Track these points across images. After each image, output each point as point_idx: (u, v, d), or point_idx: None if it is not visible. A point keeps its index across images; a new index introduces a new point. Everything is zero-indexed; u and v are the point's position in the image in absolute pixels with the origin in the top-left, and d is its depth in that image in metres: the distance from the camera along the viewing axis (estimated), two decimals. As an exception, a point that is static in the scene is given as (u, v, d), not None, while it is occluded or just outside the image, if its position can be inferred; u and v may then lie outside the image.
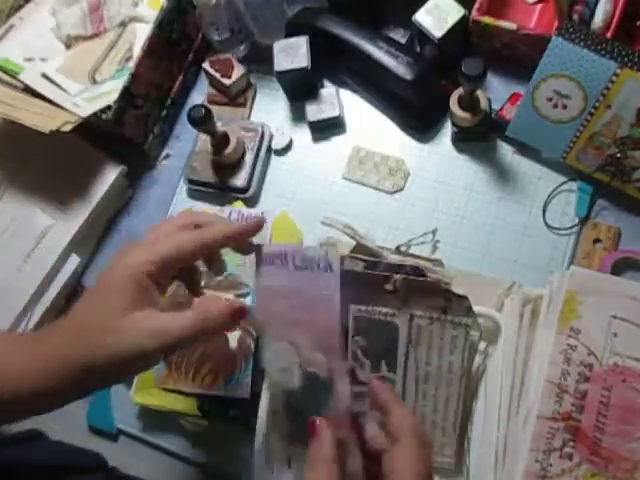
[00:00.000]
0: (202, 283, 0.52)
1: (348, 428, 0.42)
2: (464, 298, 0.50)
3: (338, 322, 0.42)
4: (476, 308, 0.50)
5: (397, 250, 0.56)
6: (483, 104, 0.64)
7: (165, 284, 0.44)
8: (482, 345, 0.54)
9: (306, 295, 0.44)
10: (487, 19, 0.65)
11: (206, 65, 0.76)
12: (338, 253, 0.43)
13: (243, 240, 0.46)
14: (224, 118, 0.75)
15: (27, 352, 0.42)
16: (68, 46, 0.74)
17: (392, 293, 0.50)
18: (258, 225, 0.46)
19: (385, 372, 0.52)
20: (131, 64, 0.71)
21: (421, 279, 0.50)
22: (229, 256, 0.67)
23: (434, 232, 0.65)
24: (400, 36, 0.72)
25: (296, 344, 0.45)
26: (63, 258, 0.71)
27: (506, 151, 0.68)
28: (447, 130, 0.70)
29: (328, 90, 0.73)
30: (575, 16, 0.63)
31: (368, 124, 0.73)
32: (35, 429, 0.64)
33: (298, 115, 0.75)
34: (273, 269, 0.45)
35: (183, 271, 0.47)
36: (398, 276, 0.49)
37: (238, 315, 0.43)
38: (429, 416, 0.53)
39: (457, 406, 0.52)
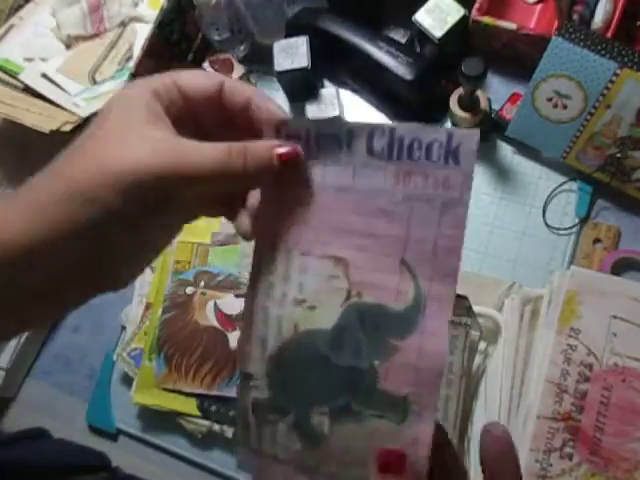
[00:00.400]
0: None
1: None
2: (464, 298, 0.50)
3: (462, 240, 0.29)
4: (476, 308, 0.50)
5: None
6: (483, 104, 0.64)
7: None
8: (482, 345, 0.54)
9: (398, 198, 0.30)
10: (487, 19, 0.65)
11: (206, 65, 0.76)
12: (476, 133, 0.30)
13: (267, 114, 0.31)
14: (224, 118, 0.74)
15: (16, 204, 0.31)
16: (68, 46, 0.74)
17: None
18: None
19: None
20: (131, 64, 0.71)
21: None
22: (229, 256, 0.67)
23: None
24: (400, 36, 0.72)
25: (344, 261, 0.31)
26: (63, 258, 0.71)
27: (506, 151, 0.68)
28: (447, 130, 0.70)
29: (328, 90, 0.73)
30: (575, 16, 0.63)
31: (368, 124, 0.73)
32: (39, 427, 0.65)
33: (298, 115, 0.75)
34: (327, 163, 0.31)
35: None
36: None
37: (293, 158, 0.30)
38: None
39: (457, 406, 0.52)
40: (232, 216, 0.34)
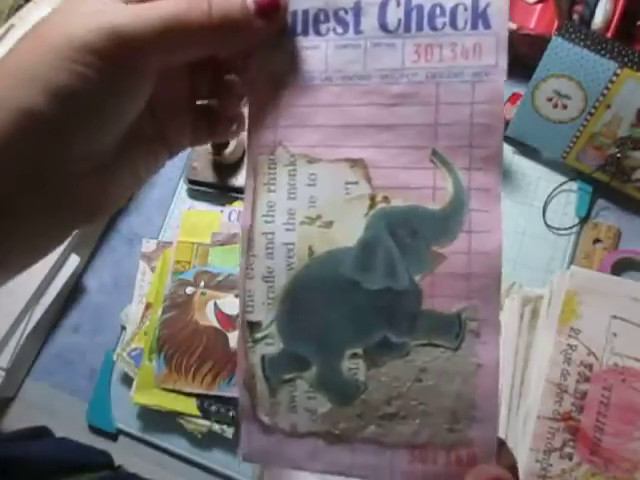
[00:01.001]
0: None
1: None
2: None
3: (502, 110, 0.25)
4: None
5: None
6: (483, 104, 0.64)
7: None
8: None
9: (424, 78, 0.25)
10: (487, 19, 0.65)
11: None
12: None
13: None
14: (224, 118, 0.74)
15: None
16: (68, 46, 0.74)
17: None
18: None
19: None
20: (131, 64, 0.71)
21: None
22: (229, 256, 0.67)
23: None
24: (400, 36, 0.72)
25: (362, 162, 0.25)
26: (63, 258, 0.71)
27: (506, 151, 0.68)
28: (447, 130, 0.70)
29: (328, 90, 0.73)
30: (575, 16, 0.63)
31: (368, 124, 0.73)
32: (41, 426, 0.65)
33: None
34: (322, 40, 0.25)
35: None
36: None
37: (274, 5, 0.24)
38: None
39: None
40: (212, 132, 0.30)
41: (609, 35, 0.61)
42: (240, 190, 0.71)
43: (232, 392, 0.61)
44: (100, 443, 0.67)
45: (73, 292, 0.74)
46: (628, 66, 0.56)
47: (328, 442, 0.25)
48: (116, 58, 0.23)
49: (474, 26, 0.24)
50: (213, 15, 0.23)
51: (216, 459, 0.64)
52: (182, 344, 0.63)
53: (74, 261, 0.71)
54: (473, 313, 0.24)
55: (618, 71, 0.57)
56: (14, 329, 0.68)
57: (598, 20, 0.61)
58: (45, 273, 0.69)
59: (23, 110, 0.22)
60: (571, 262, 0.62)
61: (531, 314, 0.53)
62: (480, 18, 0.24)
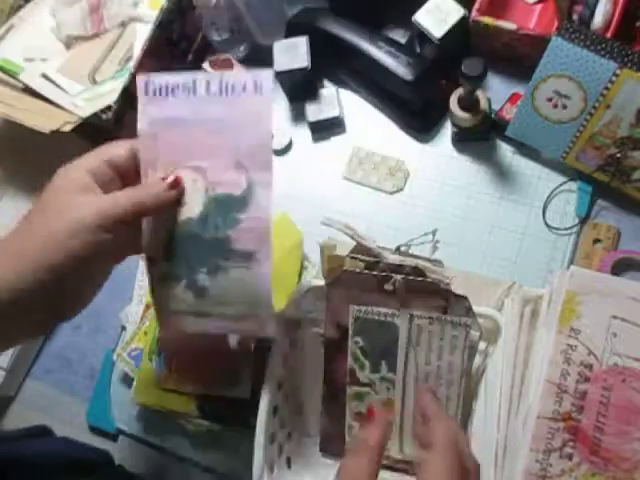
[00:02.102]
0: None
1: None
2: (464, 298, 0.50)
3: (270, 138, 0.44)
4: (476, 308, 0.50)
5: (397, 250, 0.56)
6: (483, 104, 0.64)
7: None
8: (482, 345, 0.54)
9: (226, 121, 0.44)
10: (487, 19, 0.65)
11: (206, 65, 0.76)
12: (269, 73, 0.43)
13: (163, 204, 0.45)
14: (224, 118, 0.75)
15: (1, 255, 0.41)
16: (68, 46, 0.74)
17: (391, 293, 0.50)
18: (176, 185, 0.45)
19: (385, 372, 0.53)
20: (131, 64, 0.71)
21: (420, 279, 0.50)
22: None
23: (434, 233, 0.65)
24: (400, 36, 0.72)
25: (202, 169, 0.45)
26: (63, 258, 0.71)
27: (506, 151, 0.68)
28: (447, 130, 0.70)
29: (328, 90, 0.73)
30: (575, 16, 0.63)
31: (368, 124, 0.73)
32: (42, 425, 0.65)
33: (298, 115, 0.75)
34: (173, 100, 0.45)
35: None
36: (398, 276, 0.49)
37: (176, 184, 0.45)
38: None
39: (457, 406, 0.52)
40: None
41: (609, 35, 0.61)
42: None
43: (232, 392, 0.61)
44: (100, 443, 0.67)
45: (73, 292, 0.74)
46: (628, 66, 0.56)
47: (196, 317, 0.47)
48: (102, 233, 0.41)
49: (255, 92, 0.44)
50: (149, 198, 0.43)
51: (216, 459, 0.64)
52: (182, 344, 0.63)
53: (74, 261, 0.71)
54: (258, 250, 0.44)
55: (618, 71, 0.57)
56: (14, 329, 0.68)
57: (598, 20, 0.61)
58: (45, 273, 0.69)
59: (47, 266, 0.40)
60: (571, 262, 0.62)
61: (531, 314, 0.53)
62: (258, 89, 0.44)
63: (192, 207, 0.45)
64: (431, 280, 0.50)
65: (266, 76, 0.43)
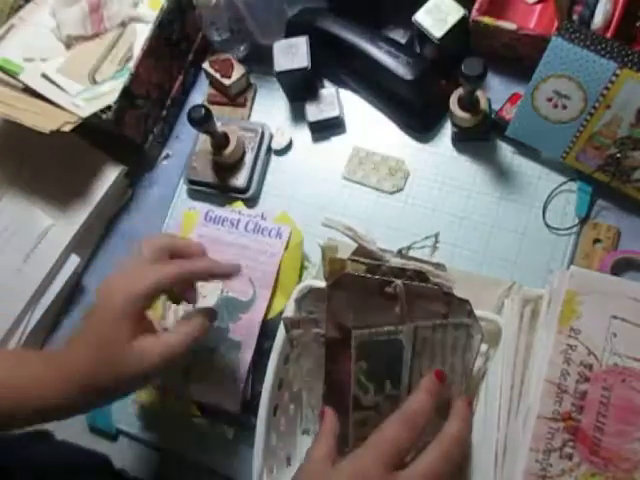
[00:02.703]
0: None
1: None
2: (466, 302, 0.50)
3: (276, 268, 0.64)
4: (478, 312, 0.50)
5: (399, 253, 0.55)
6: (483, 104, 0.64)
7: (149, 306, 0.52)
8: (483, 348, 0.54)
9: (251, 249, 0.65)
10: (487, 19, 0.65)
11: (206, 65, 0.76)
12: (291, 228, 0.66)
13: (222, 277, 0.56)
14: (224, 118, 0.75)
15: (52, 374, 0.47)
16: (68, 46, 0.74)
17: (392, 297, 0.50)
18: (237, 270, 0.55)
19: (389, 390, 0.51)
20: (131, 64, 0.71)
21: (422, 285, 0.49)
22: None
23: (436, 236, 0.65)
24: (400, 36, 0.72)
25: None
26: (63, 258, 0.71)
27: (506, 151, 0.68)
28: (447, 130, 0.70)
29: (328, 90, 0.73)
30: (575, 16, 0.63)
31: (368, 124, 0.73)
32: (42, 429, 0.64)
33: (298, 115, 0.75)
34: (220, 227, 0.67)
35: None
36: (399, 282, 0.49)
37: (213, 316, 0.54)
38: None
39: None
40: None
41: (609, 35, 0.61)
42: (239, 190, 0.71)
43: (224, 404, 0.61)
44: (100, 443, 0.67)
45: (73, 292, 0.74)
46: (628, 66, 0.56)
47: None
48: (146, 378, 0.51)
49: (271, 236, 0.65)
50: (198, 335, 0.51)
51: (216, 459, 0.64)
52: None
53: (74, 261, 0.72)
54: (245, 340, 0.62)
55: (618, 71, 0.57)
56: (14, 329, 0.68)
57: (598, 20, 0.61)
58: (45, 273, 0.69)
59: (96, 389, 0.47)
60: (571, 262, 0.62)
61: (531, 314, 0.53)
62: (279, 236, 0.66)
63: (209, 300, 0.61)
64: (431, 286, 0.50)
65: (285, 228, 0.65)
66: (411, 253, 0.65)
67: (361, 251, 0.53)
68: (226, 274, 0.55)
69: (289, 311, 0.54)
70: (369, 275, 0.50)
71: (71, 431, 0.66)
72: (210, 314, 0.53)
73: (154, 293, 0.49)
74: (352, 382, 0.51)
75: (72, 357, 0.47)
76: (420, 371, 0.50)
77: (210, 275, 0.54)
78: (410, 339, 0.50)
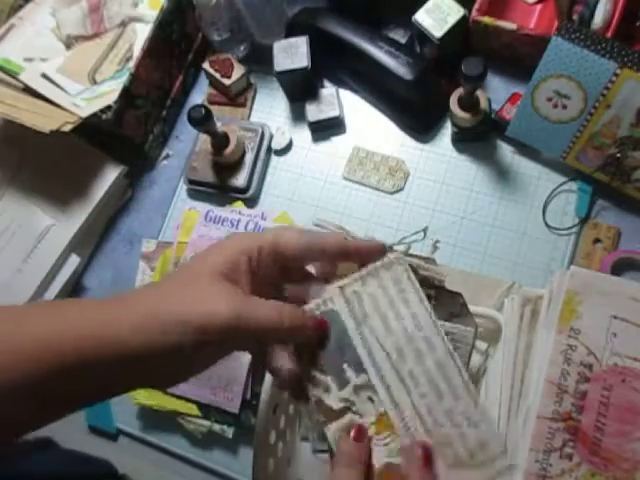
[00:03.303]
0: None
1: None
2: (458, 294, 0.50)
3: None
4: (477, 308, 0.50)
5: (390, 249, 0.55)
6: (483, 104, 0.64)
7: (258, 281, 0.39)
8: (483, 345, 0.54)
9: None
10: (487, 19, 0.65)
11: (206, 65, 0.76)
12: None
13: (360, 258, 0.40)
14: (224, 118, 0.75)
15: (119, 311, 0.36)
16: (68, 46, 0.74)
17: None
18: (381, 250, 0.41)
19: (354, 378, 0.39)
20: (131, 64, 0.71)
21: None
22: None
23: (425, 230, 0.65)
24: (400, 36, 0.72)
25: None
26: (63, 258, 0.71)
27: (506, 151, 0.68)
28: (447, 130, 0.70)
29: (328, 90, 0.73)
30: (575, 16, 0.63)
31: (368, 124, 0.73)
32: (45, 437, 0.64)
33: (298, 115, 0.75)
34: (220, 227, 0.67)
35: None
36: None
37: (322, 328, 0.39)
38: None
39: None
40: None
41: (609, 35, 0.61)
42: (239, 190, 0.71)
43: (224, 405, 0.61)
44: (100, 443, 0.67)
45: (73, 292, 0.74)
46: (628, 66, 0.56)
47: None
48: (227, 339, 0.36)
49: None
50: (291, 327, 0.37)
51: (216, 459, 0.64)
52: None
53: (74, 261, 0.72)
54: None
55: (618, 71, 0.56)
56: (14, 329, 0.68)
57: (598, 20, 0.61)
58: (45, 273, 0.69)
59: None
60: (571, 262, 0.62)
61: (531, 314, 0.53)
62: None
63: None
64: (425, 276, 0.49)
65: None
66: (410, 251, 0.65)
67: None
68: (367, 253, 0.40)
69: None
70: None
71: (71, 431, 0.66)
72: (322, 322, 0.39)
73: (261, 250, 0.38)
74: (307, 386, 0.39)
75: (149, 291, 0.38)
76: (377, 338, 0.40)
77: (343, 253, 0.40)
78: (343, 303, 0.40)
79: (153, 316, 0.35)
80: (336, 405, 0.39)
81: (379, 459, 0.38)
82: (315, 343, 0.39)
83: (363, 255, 0.40)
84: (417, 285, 0.40)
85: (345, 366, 0.39)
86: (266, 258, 0.38)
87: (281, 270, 0.40)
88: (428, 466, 0.37)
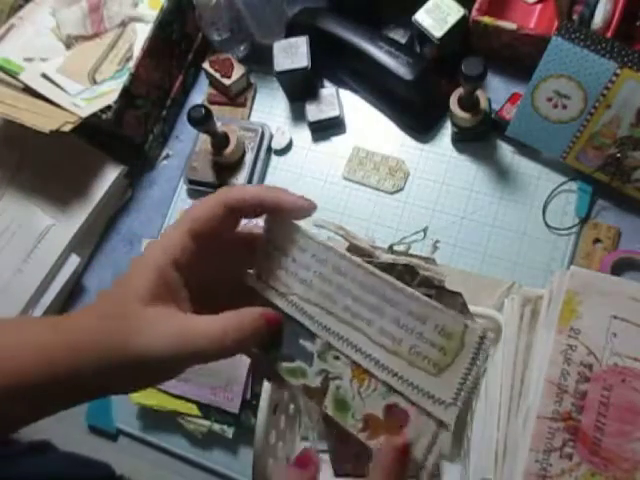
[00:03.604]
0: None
1: None
2: (458, 294, 0.50)
3: None
4: (477, 309, 0.50)
5: (390, 249, 0.55)
6: (483, 104, 0.64)
7: (206, 263, 0.36)
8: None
9: None
10: (487, 19, 0.65)
11: (206, 65, 0.76)
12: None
13: (283, 213, 0.39)
14: (224, 118, 0.75)
15: (59, 339, 0.34)
16: (68, 46, 0.74)
17: None
18: (311, 206, 0.39)
19: (312, 347, 0.38)
20: (131, 64, 0.71)
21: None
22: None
23: (425, 230, 0.65)
24: (400, 36, 0.72)
25: None
26: (63, 258, 0.71)
27: (506, 151, 0.68)
28: (447, 130, 0.70)
29: (328, 90, 0.73)
30: (575, 16, 0.63)
31: (368, 124, 0.73)
32: (44, 440, 0.64)
33: (298, 115, 0.75)
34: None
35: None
36: None
37: (275, 323, 0.37)
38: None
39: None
40: None
41: (609, 35, 0.61)
42: (240, 190, 0.71)
43: (224, 404, 0.61)
44: (100, 443, 0.67)
45: (73, 292, 0.74)
46: (628, 66, 0.56)
47: None
48: (166, 370, 0.34)
49: None
50: (241, 337, 0.35)
51: (216, 459, 0.64)
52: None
53: (74, 261, 0.72)
54: None
55: (618, 71, 0.57)
56: (14, 329, 0.68)
57: (598, 20, 0.61)
58: (45, 273, 0.69)
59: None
60: (571, 262, 0.62)
61: (531, 314, 0.53)
62: None
63: None
64: (425, 277, 0.49)
65: None
66: (410, 251, 0.65)
67: (352, 249, 0.53)
68: (298, 209, 0.40)
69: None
70: None
71: (71, 431, 0.66)
72: (274, 316, 0.37)
73: (192, 235, 0.35)
74: (287, 382, 0.38)
75: (79, 320, 0.35)
76: (301, 297, 0.39)
77: (276, 206, 0.39)
78: (261, 284, 0.40)
79: (91, 350, 0.33)
80: (315, 383, 0.38)
81: (376, 407, 0.36)
82: (272, 340, 0.37)
83: (298, 212, 0.40)
84: (304, 230, 0.41)
85: (302, 341, 0.38)
86: (189, 249, 0.35)
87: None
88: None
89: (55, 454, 0.64)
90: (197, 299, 0.37)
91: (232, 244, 0.40)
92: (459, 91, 0.63)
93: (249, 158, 0.72)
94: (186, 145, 0.77)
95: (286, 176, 0.73)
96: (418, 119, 0.71)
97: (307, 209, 0.40)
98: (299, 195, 0.39)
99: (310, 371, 0.38)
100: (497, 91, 0.70)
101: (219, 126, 0.69)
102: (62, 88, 0.70)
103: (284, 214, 0.40)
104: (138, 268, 0.34)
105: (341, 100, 0.73)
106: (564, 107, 0.61)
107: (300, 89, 0.73)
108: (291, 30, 0.72)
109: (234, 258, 0.40)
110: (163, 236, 0.36)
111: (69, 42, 0.74)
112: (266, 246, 0.40)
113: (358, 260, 0.39)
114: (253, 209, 0.38)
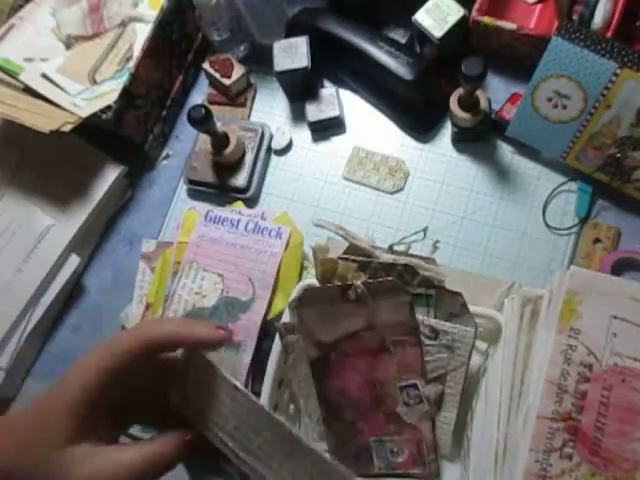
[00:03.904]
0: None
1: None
2: (458, 294, 0.50)
3: (276, 268, 0.63)
4: (477, 308, 0.50)
5: (390, 249, 0.56)
6: (483, 104, 0.64)
7: (122, 391, 0.40)
8: (483, 345, 0.54)
9: (251, 249, 0.64)
10: (487, 19, 0.65)
11: (206, 65, 0.76)
12: (291, 229, 0.64)
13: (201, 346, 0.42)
14: (224, 118, 0.75)
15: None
16: (68, 46, 0.74)
17: (355, 302, 0.50)
18: (227, 336, 0.42)
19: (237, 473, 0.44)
20: (131, 64, 0.71)
21: (379, 280, 0.49)
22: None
23: (425, 230, 0.65)
24: (400, 36, 0.72)
25: (224, 276, 0.63)
26: (63, 258, 0.71)
27: (506, 151, 0.68)
28: (447, 130, 0.70)
29: (328, 90, 0.73)
30: (575, 16, 0.63)
31: (368, 124, 0.73)
32: None
33: (298, 115, 0.75)
34: (220, 227, 0.66)
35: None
36: (358, 282, 0.49)
37: (192, 442, 0.41)
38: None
39: (455, 403, 0.52)
40: None
41: (609, 35, 0.61)
42: (239, 190, 0.71)
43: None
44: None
45: (73, 292, 0.74)
46: (628, 66, 0.56)
47: None
48: None
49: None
50: (161, 466, 0.38)
51: (216, 459, 0.63)
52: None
53: (74, 261, 0.72)
54: (244, 342, 0.61)
55: (618, 71, 0.57)
56: (14, 329, 0.68)
57: (598, 20, 0.61)
58: (45, 273, 0.69)
59: None
60: (571, 262, 0.62)
61: (531, 314, 0.53)
62: (279, 235, 0.65)
63: (209, 300, 0.62)
64: (391, 280, 0.49)
65: (285, 229, 0.64)
66: (410, 251, 0.65)
67: (352, 249, 0.53)
68: (214, 341, 0.42)
69: (285, 316, 0.54)
70: (329, 285, 0.50)
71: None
72: (192, 437, 0.41)
73: (110, 372, 0.37)
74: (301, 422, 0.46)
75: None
76: (225, 431, 0.43)
77: (191, 342, 0.41)
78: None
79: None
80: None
81: None
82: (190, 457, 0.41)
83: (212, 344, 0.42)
84: (217, 369, 0.42)
85: (230, 466, 0.44)
86: (111, 379, 0.38)
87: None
88: None
89: None
90: (124, 409, 0.40)
91: (153, 368, 0.42)
92: (459, 91, 0.63)
93: (249, 158, 0.72)
94: (186, 145, 0.77)
95: (286, 176, 0.73)
96: (418, 119, 0.71)
97: (222, 340, 0.42)
98: (215, 325, 0.42)
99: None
100: (497, 91, 0.70)
101: (219, 126, 0.69)
102: (62, 88, 0.71)
103: (200, 348, 0.42)
104: (56, 407, 0.36)
105: (341, 100, 0.73)
106: (564, 107, 0.61)
107: (300, 89, 0.73)
108: (291, 30, 0.72)
109: (157, 377, 0.43)
110: (79, 370, 0.37)
111: (69, 42, 0.74)
112: (184, 376, 0.44)
113: (266, 410, 0.41)
114: (169, 346, 0.41)
